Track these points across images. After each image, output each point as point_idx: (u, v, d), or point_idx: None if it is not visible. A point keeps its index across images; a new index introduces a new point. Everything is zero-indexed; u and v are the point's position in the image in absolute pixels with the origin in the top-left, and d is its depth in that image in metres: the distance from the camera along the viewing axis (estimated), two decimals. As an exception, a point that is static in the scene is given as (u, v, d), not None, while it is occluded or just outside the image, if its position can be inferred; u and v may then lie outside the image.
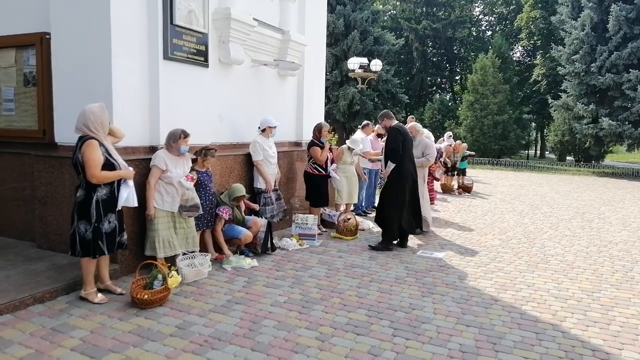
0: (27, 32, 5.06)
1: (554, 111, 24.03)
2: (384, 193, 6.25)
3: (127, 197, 3.89)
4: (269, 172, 6.03)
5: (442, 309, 4.06)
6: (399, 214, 5.99)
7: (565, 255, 6.01)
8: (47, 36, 4.89)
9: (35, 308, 3.71)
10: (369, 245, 6.05)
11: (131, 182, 3.95)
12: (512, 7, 37.65)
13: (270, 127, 6.05)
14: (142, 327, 3.48)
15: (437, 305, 4.14)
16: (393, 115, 6.41)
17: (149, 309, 3.78)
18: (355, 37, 23.21)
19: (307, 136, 7.57)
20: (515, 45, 37.65)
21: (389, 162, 6.01)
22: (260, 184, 6.03)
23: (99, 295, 3.95)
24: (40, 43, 4.96)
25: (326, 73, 8.75)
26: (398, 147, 5.96)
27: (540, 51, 32.69)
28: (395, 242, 6.10)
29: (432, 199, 9.01)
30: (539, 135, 41.25)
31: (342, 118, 24.13)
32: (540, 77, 31.27)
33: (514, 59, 35.43)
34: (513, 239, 6.90)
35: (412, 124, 7.47)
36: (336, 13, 23.18)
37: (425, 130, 8.88)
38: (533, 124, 37.76)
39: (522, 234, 7.27)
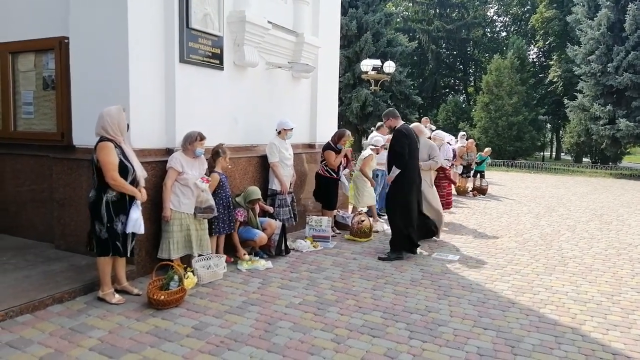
0: (47, 36, 5.14)
1: (570, 112, 23.72)
2: (390, 200, 5.85)
3: (137, 221, 3.87)
4: (285, 174, 6.05)
5: (459, 312, 4.02)
6: (407, 222, 5.66)
7: (584, 258, 5.92)
8: (66, 40, 4.97)
9: (54, 308, 3.76)
10: (379, 257, 5.64)
11: (139, 205, 3.92)
12: (526, 8, 37.28)
13: (285, 129, 6.07)
14: (159, 327, 3.51)
15: (453, 308, 4.10)
16: (399, 115, 5.95)
17: (166, 310, 3.80)
18: (368, 39, 23.19)
19: (321, 138, 7.58)
20: (530, 46, 37.26)
21: (394, 168, 5.65)
22: (275, 185, 6.05)
23: (117, 295, 3.99)
24: (59, 47, 5.04)
25: (339, 75, 8.72)
26: (404, 151, 5.58)
27: (556, 52, 32.28)
28: (404, 251, 5.71)
29: (448, 204, 8.51)
30: (554, 136, 40.73)
31: (355, 120, 24.13)
32: (555, 78, 30.89)
33: (530, 59, 35.07)
34: (530, 241, 6.81)
35: (415, 124, 6.94)
36: (349, 15, 23.19)
37: (446, 135, 8.77)
38: (548, 125, 37.29)
39: (539, 236, 7.17)
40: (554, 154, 41.14)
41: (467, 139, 12.46)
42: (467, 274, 5.13)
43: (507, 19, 40.48)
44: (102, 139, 3.78)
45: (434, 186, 6.81)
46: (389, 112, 5.93)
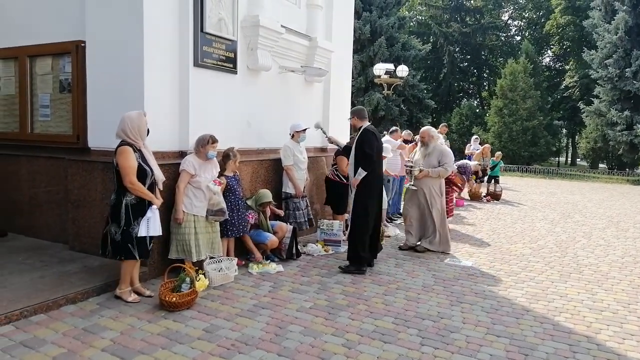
0: (64, 40, 5.22)
1: (586, 117, 23.42)
2: (355, 207, 5.30)
3: (155, 223, 3.91)
4: (299, 178, 6.05)
5: (472, 319, 3.97)
6: (368, 231, 5.26)
7: (600, 266, 5.81)
8: (82, 44, 5.04)
9: (67, 308, 3.80)
10: (339, 267, 5.25)
11: (156, 210, 3.96)
12: (541, 12, 36.92)
13: (298, 131, 6.07)
14: (171, 329, 3.52)
15: (466, 315, 4.05)
16: (366, 115, 5.50)
17: (177, 312, 3.82)
18: (382, 43, 23.15)
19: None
20: (545, 50, 36.89)
21: (360, 170, 5.19)
22: (289, 189, 6.05)
23: (133, 294, 4.04)
24: (75, 51, 5.11)
25: (352, 79, 8.71)
26: (372, 153, 5.20)
27: (572, 57, 31.91)
28: (365, 266, 5.25)
29: (449, 212, 8.01)
30: (570, 142, 40.20)
31: (367, 124, 24.07)
32: (571, 83, 30.53)
33: (544, 64, 34.72)
34: (544, 248, 6.71)
35: (425, 127, 6.56)
36: (362, 19, 23.18)
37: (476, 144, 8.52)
38: (564, 131, 36.83)
39: (554, 243, 7.07)
40: (569, 159, 40.60)
41: (480, 143, 12.37)
42: (480, 280, 5.07)
43: (522, 23, 40.13)
44: (122, 143, 3.83)
45: (442, 195, 6.29)
46: (355, 111, 5.52)
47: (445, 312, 4.09)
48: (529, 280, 5.11)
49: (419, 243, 6.26)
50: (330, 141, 6.86)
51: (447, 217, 7.61)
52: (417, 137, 7.06)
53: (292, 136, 6.10)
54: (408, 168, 6.27)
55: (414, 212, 6.25)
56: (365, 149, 5.20)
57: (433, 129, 6.56)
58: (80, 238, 5.04)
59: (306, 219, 6.13)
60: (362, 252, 5.20)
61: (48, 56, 5.50)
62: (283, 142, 6.18)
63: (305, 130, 6.12)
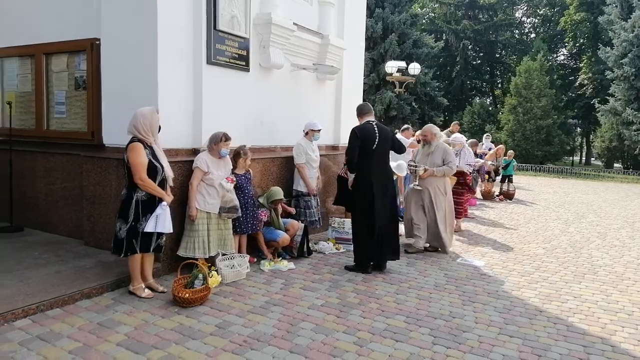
0: (79, 38, 5.28)
1: (601, 116, 23.10)
2: (352, 207, 5.35)
3: (165, 220, 3.93)
4: (310, 176, 6.05)
5: (484, 319, 3.95)
6: (366, 232, 5.08)
7: (614, 266, 5.74)
8: (97, 42, 5.09)
9: (83, 303, 3.85)
10: (345, 266, 5.25)
11: (166, 207, 3.97)
12: (556, 9, 36.47)
13: (313, 130, 6.08)
14: (184, 325, 3.56)
15: (478, 314, 4.03)
16: (366, 109, 5.32)
17: (190, 308, 3.85)
18: (393, 40, 23.06)
19: (345, 140, 7.50)
20: (559, 48, 36.42)
21: (349, 173, 5.17)
22: (300, 186, 6.05)
23: (146, 290, 4.08)
24: (90, 49, 5.16)
25: (363, 76, 8.70)
26: (351, 154, 5.05)
27: (587, 54, 31.47)
28: (368, 267, 5.13)
29: (462, 213, 7.78)
30: (584, 141, 39.70)
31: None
32: (585, 81, 30.12)
33: (558, 62, 34.28)
34: (558, 248, 6.65)
35: (427, 125, 6.39)
36: (374, 16, 23.10)
37: (461, 137, 8.25)
38: (578, 129, 36.38)
39: (568, 243, 6.99)
40: (583, 158, 40.11)
41: (491, 142, 12.27)
42: (493, 280, 5.03)
43: (536, 20, 39.68)
44: (133, 139, 3.87)
45: (448, 193, 6.15)
46: (356, 109, 5.45)
47: (458, 312, 4.07)
48: (543, 281, 5.06)
49: (427, 245, 6.14)
50: None
51: (460, 218, 7.61)
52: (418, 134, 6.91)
53: (306, 134, 6.10)
54: (412, 167, 6.11)
55: (419, 213, 6.07)
56: (347, 150, 5.13)
57: (436, 127, 6.38)
58: (95, 234, 5.11)
59: (317, 218, 6.14)
60: (361, 253, 5.11)
61: (64, 54, 5.56)
62: (295, 140, 6.18)
63: (320, 130, 6.13)
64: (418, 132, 8.49)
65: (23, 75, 6.00)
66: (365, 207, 5.08)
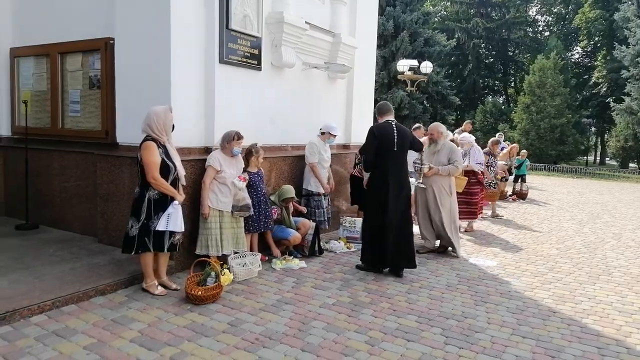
0: (93, 37, 5.34)
1: (617, 115, 22.76)
2: (365, 206, 5.24)
3: (177, 219, 3.96)
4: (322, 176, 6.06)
5: (497, 319, 3.92)
6: (380, 234, 4.97)
7: (630, 268, 5.66)
8: (111, 41, 5.14)
9: (97, 300, 3.90)
10: (356, 266, 5.20)
11: (178, 206, 4.00)
12: (570, 7, 35.98)
13: (331, 133, 6.09)
14: (196, 322, 3.58)
15: (491, 315, 4.00)
16: (386, 108, 5.23)
17: (203, 305, 3.88)
18: (405, 38, 22.93)
19: (356, 139, 7.55)
20: (574, 46, 35.95)
21: (364, 172, 5.10)
22: (311, 186, 6.05)
23: (159, 288, 4.12)
24: (105, 48, 5.22)
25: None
26: (368, 153, 5.01)
27: (602, 52, 31.02)
28: (380, 267, 5.05)
29: (477, 213, 7.60)
30: (599, 140, 39.17)
31: (390, 121, 23.90)
32: (600, 80, 29.70)
33: (572, 60, 33.85)
34: (572, 248, 6.57)
35: (434, 124, 6.27)
36: (386, 14, 22.99)
37: (469, 136, 8.03)
38: (593, 129, 35.88)
39: (582, 243, 6.90)
40: (598, 158, 39.55)
41: (504, 140, 12.14)
42: (506, 280, 4.99)
43: (550, 18, 39.20)
44: (147, 138, 3.90)
45: (453, 194, 6.01)
46: (376, 108, 5.36)
47: (470, 312, 4.05)
48: (556, 282, 5.01)
49: (436, 245, 6.05)
50: None
51: (474, 218, 7.52)
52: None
53: (322, 134, 6.11)
54: (417, 166, 6.00)
55: (424, 213, 5.98)
56: (362, 150, 5.02)
57: (442, 125, 6.25)
58: (108, 231, 5.16)
59: (326, 218, 6.13)
60: (371, 253, 5.02)
61: (78, 53, 5.63)
62: (306, 139, 6.19)
63: (336, 136, 6.16)
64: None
65: (39, 74, 6.08)
66: (379, 208, 4.99)
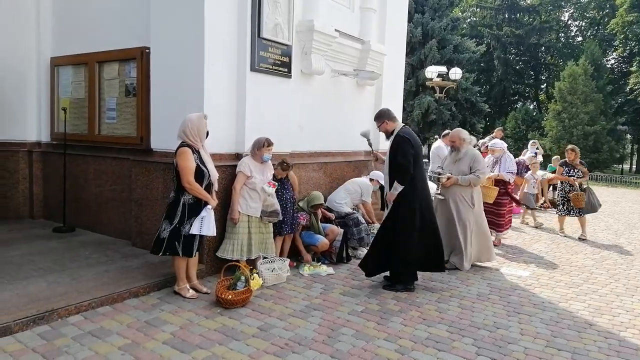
0: (130, 46, 5.51)
1: (654, 122, 21.95)
2: (394, 224, 4.69)
3: (209, 223, 4.03)
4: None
5: (530, 330, 3.82)
6: (415, 246, 4.67)
7: (671, 281, 5.44)
8: (147, 50, 5.29)
9: (130, 302, 3.99)
10: (383, 287, 4.76)
11: (211, 210, 4.07)
12: (605, 11, 35.03)
13: (379, 182, 6.23)
14: (227, 326, 3.62)
15: (524, 326, 3.90)
16: (395, 115, 4.89)
17: (233, 309, 3.92)
18: (433, 45, 22.80)
19: (384, 146, 7.49)
20: (609, 52, 34.92)
21: (396, 184, 4.60)
22: (344, 208, 6.04)
23: (191, 291, 4.19)
24: (140, 57, 5.37)
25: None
26: (409, 164, 4.56)
27: (638, 58, 30.03)
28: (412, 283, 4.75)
29: (504, 225, 7.12)
30: (635, 148, 37.83)
31: (416, 128, 23.73)
32: (637, 86, 28.74)
33: (607, 66, 32.86)
34: (608, 259, 6.36)
35: (456, 129, 5.91)
36: (414, 22, 22.93)
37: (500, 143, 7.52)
38: (629, 136, 34.69)
39: (618, 254, 6.67)
40: (634, 166, 38.18)
41: (537, 148, 11.84)
42: (539, 291, 4.87)
43: (583, 23, 38.25)
44: (182, 144, 3.99)
45: (476, 205, 5.58)
46: (382, 114, 4.89)
47: (502, 322, 3.96)
48: (592, 293, 4.86)
49: (447, 259, 5.44)
50: (376, 157, 5.90)
51: (502, 231, 7.06)
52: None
53: (370, 180, 6.42)
54: (435, 175, 5.63)
55: (441, 224, 5.35)
56: (399, 159, 4.58)
57: (465, 131, 5.82)
58: (142, 235, 5.28)
59: (368, 233, 6.04)
60: (407, 273, 4.71)
61: (115, 62, 5.80)
62: (336, 146, 6.24)
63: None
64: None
65: (77, 82, 6.30)
66: (418, 223, 4.66)
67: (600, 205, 7.88)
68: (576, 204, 7.71)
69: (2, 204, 6.44)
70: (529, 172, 9.72)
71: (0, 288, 3.90)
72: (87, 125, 6.14)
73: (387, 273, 4.89)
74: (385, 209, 4.92)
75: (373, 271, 4.88)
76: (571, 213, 7.82)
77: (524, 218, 9.09)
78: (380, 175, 6.09)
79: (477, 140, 9.36)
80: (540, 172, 10.62)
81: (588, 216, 7.85)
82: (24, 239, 5.57)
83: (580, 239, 7.62)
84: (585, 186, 7.81)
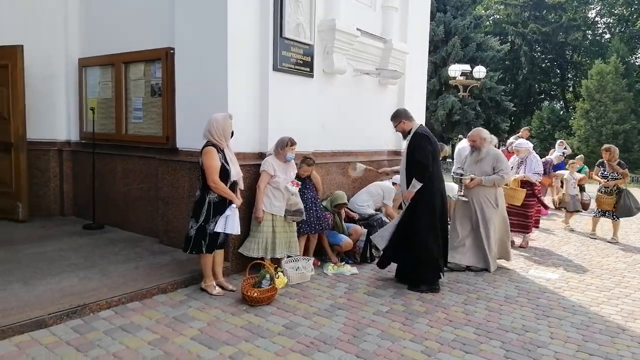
0: (155, 47, 5.59)
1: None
2: (414, 223, 4.68)
3: (234, 222, 4.07)
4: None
5: (560, 334, 3.73)
6: (439, 250, 4.72)
7: None
8: (172, 51, 5.36)
9: (159, 298, 4.05)
10: (408, 287, 4.69)
11: (235, 209, 4.11)
12: (634, 8, 34.00)
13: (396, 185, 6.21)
14: (253, 323, 3.65)
15: (553, 330, 3.82)
16: (412, 116, 4.88)
17: (258, 307, 3.95)
18: (456, 43, 22.53)
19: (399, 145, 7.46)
20: (638, 50, 33.90)
21: (414, 181, 4.59)
22: (368, 210, 6.08)
23: (217, 288, 4.24)
24: (165, 57, 5.45)
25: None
26: (427, 161, 4.56)
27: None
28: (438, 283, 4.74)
29: (530, 227, 6.93)
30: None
31: (440, 128, 23.47)
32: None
33: (637, 64, 31.91)
34: (640, 262, 6.18)
35: (476, 129, 5.81)
36: (436, 20, 22.70)
37: (526, 143, 7.28)
38: (660, 135, 33.57)
39: (652, 257, 6.47)
40: (666, 167, 36.97)
41: (564, 148, 11.57)
42: (569, 294, 4.75)
43: (611, 20, 37.20)
44: (208, 143, 4.04)
45: (500, 206, 5.52)
46: (399, 113, 4.90)
47: (531, 326, 3.88)
48: (624, 297, 4.72)
49: (470, 265, 5.43)
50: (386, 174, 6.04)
51: (529, 233, 6.88)
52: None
53: (394, 184, 6.36)
54: (457, 176, 5.53)
55: (465, 226, 5.45)
56: (417, 157, 4.58)
57: (485, 131, 5.70)
58: (168, 233, 5.37)
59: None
60: (432, 272, 4.70)
61: (141, 62, 5.90)
62: (358, 145, 6.21)
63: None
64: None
65: (104, 82, 6.43)
66: (437, 223, 4.68)
67: (638, 209, 7.49)
68: (600, 206, 7.51)
69: (35, 202, 6.62)
70: (567, 173, 9.33)
71: (34, 282, 4.02)
72: (114, 124, 6.26)
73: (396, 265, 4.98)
74: (403, 206, 4.91)
75: (385, 262, 5.03)
76: (606, 215, 7.61)
77: (567, 220, 8.69)
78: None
79: (505, 140, 9.17)
80: (562, 172, 10.35)
81: (621, 217, 7.60)
82: (56, 235, 5.72)
83: (610, 242, 7.41)
84: (624, 188, 7.55)
